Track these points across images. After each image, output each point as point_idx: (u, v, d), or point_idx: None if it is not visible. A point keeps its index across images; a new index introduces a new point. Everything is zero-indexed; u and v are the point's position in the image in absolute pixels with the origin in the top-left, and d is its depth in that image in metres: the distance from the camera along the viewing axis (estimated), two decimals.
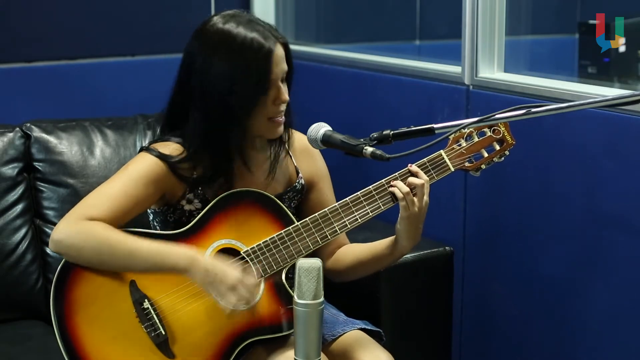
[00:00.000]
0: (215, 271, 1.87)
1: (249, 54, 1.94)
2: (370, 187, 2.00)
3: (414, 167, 1.99)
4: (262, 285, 1.96)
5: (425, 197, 1.98)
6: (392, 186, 1.98)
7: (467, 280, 2.59)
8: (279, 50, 1.97)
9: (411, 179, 1.98)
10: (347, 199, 1.99)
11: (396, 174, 2.00)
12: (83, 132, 2.63)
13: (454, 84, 2.54)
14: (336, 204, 1.99)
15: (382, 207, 1.99)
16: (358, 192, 1.99)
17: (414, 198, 1.96)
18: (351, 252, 2.15)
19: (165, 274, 1.91)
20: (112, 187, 1.95)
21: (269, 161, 2.08)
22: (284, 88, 1.99)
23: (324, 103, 3.05)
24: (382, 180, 2.00)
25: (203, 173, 2.00)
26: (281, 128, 2.03)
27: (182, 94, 2.01)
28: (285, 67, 1.99)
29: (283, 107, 2.00)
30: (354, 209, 1.99)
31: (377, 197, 1.99)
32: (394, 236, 2.04)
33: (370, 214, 1.99)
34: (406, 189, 1.96)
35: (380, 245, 2.09)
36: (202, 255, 1.91)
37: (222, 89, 1.94)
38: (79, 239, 1.89)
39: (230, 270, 1.89)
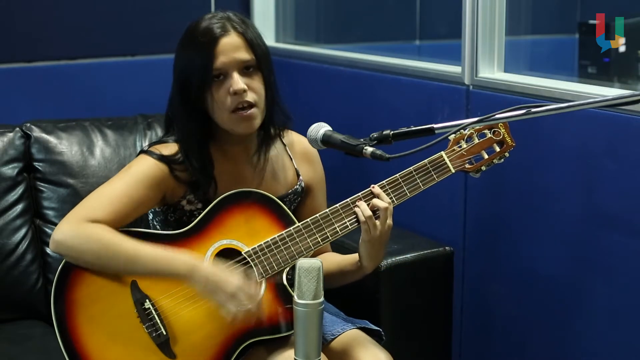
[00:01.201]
0: (215, 279, 1.87)
1: (196, 43, 1.94)
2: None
3: (376, 189, 1.97)
4: (263, 286, 1.95)
5: (389, 221, 1.95)
6: (357, 206, 1.96)
7: (467, 280, 2.58)
8: (231, 39, 1.93)
9: (375, 201, 1.95)
10: (346, 199, 2.00)
11: (359, 194, 1.97)
12: (83, 132, 2.63)
13: (453, 84, 2.53)
14: (337, 204, 1.99)
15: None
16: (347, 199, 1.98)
17: (376, 222, 1.94)
18: (323, 261, 2.12)
19: (166, 279, 1.91)
20: (114, 188, 1.95)
21: (257, 158, 2.06)
22: (237, 78, 1.93)
23: (324, 103, 3.04)
24: (348, 200, 1.97)
25: (196, 174, 1.99)
26: (253, 123, 1.97)
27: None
28: (242, 56, 1.94)
29: (245, 98, 1.94)
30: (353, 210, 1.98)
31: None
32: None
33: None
34: (368, 212, 1.94)
35: (348, 260, 2.08)
36: (203, 262, 1.90)
37: (181, 82, 1.96)
38: (79, 242, 1.89)
39: (230, 278, 1.87)
